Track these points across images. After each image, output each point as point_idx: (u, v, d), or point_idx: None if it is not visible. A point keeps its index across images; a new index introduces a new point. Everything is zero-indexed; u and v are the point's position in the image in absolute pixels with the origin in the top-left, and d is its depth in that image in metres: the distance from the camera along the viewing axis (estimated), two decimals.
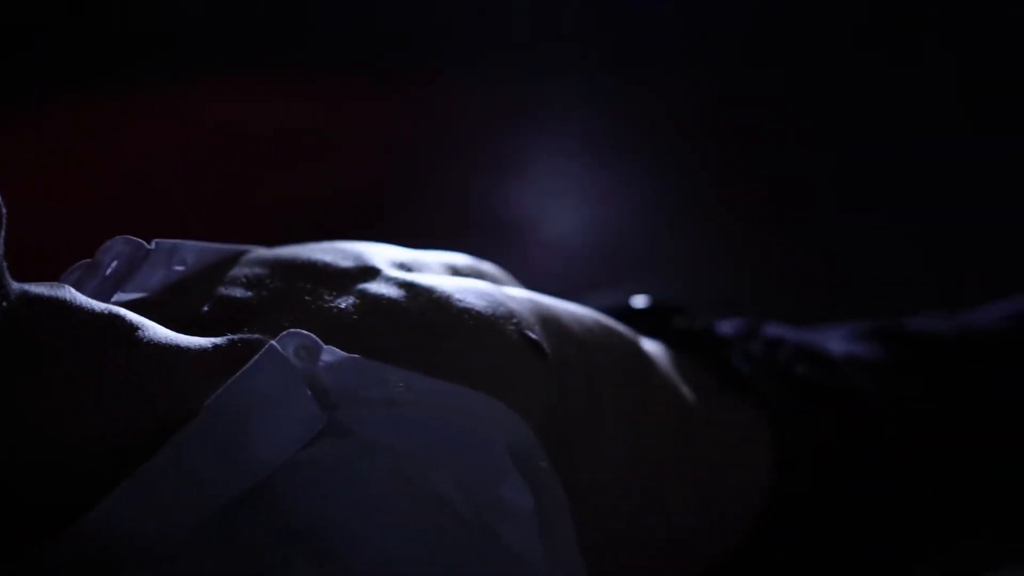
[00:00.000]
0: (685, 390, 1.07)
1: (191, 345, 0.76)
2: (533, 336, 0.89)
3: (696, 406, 1.07)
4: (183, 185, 2.91)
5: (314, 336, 0.77)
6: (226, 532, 0.71)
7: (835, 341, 1.25)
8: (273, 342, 0.75)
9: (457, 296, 0.88)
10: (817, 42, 3.78)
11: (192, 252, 0.90)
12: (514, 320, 0.89)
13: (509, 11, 4.16)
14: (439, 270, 0.98)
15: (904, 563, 1.18)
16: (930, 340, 1.25)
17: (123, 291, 0.86)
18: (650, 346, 1.10)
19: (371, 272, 0.89)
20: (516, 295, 0.95)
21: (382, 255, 0.94)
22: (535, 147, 3.29)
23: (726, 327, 1.23)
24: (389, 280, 0.88)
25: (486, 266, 1.07)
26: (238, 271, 0.88)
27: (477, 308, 0.87)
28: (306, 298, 0.84)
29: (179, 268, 0.89)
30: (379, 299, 0.85)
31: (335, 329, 0.81)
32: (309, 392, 0.74)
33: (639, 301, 1.21)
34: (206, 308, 0.83)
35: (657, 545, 1.02)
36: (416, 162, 3.14)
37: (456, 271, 1.01)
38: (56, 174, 2.90)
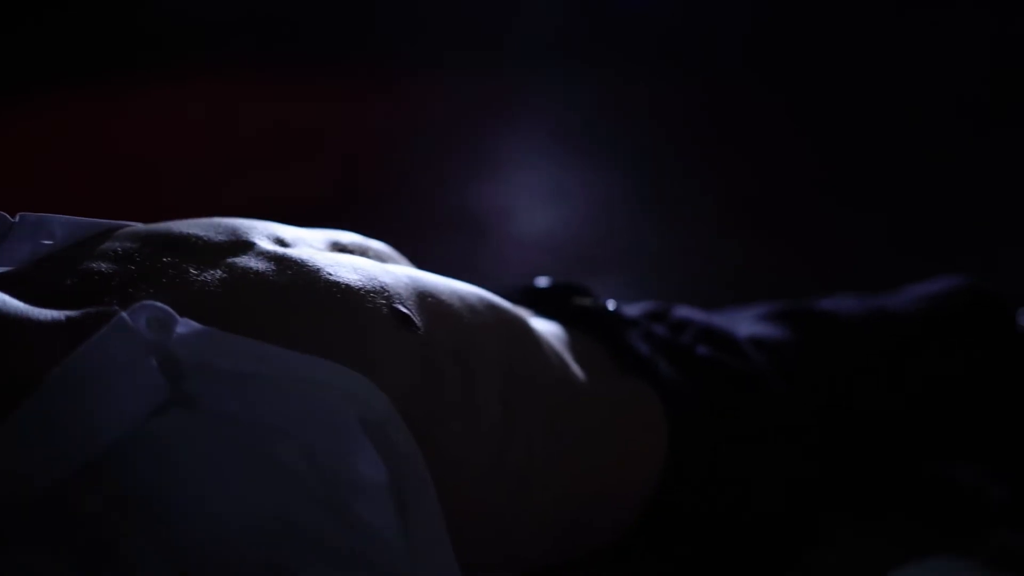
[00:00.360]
0: (576, 368, 1.07)
1: (43, 318, 0.76)
2: (403, 309, 0.90)
3: (587, 385, 1.07)
4: (150, 182, 2.93)
5: (167, 308, 0.77)
6: (62, 502, 0.71)
7: (743, 323, 1.25)
8: (123, 313, 0.76)
9: (327, 270, 0.88)
10: (789, 37, 3.79)
11: (61, 226, 0.90)
12: (385, 294, 0.89)
13: (480, 8, 4.17)
14: (320, 246, 0.98)
15: (794, 542, 1.19)
16: (837, 321, 1.25)
17: None
18: (544, 325, 1.11)
19: (244, 246, 0.89)
20: (394, 271, 0.95)
21: (259, 230, 0.93)
22: (506, 143, 3.29)
23: (632, 309, 1.23)
24: (260, 254, 0.88)
25: (375, 244, 1.07)
26: (108, 245, 0.88)
27: (346, 281, 0.88)
28: (171, 271, 0.84)
29: (47, 242, 0.89)
30: (246, 272, 0.85)
31: (197, 302, 0.81)
32: (155, 363, 0.75)
33: (541, 282, 1.21)
34: (69, 282, 0.83)
35: (542, 521, 1.02)
36: (387, 158, 3.15)
37: (341, 247, 1.01)
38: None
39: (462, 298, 0.99)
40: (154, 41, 3.95)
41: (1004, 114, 3.28)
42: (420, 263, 1.08)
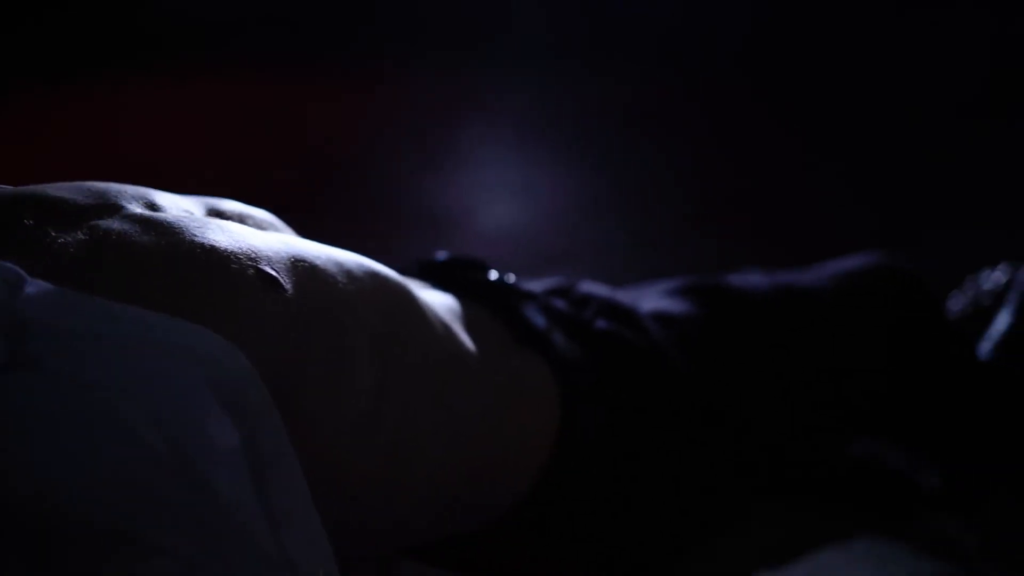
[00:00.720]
0: (467, 341, 1.06)
1: None
2: (270, 271, 0.89)
3: (479, 357, 1.06)
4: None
5: (16, 268, 0.77)
6: None
7: (648, 298, 1.23)
8: None
9: (193, 231, 0.87)
10: (751, 34, 3.78)
11: None
12: (252, 256, 0.88)
13: (444, 5, 4.18)
14: (195, 211, 0.98)
15: (696, 520, 1.17)
16: (743, 295, 1.23)
17: None
18: (437, 298, 1.10)
19: (110, 209, 0.88)
20: (267, 236, 0.94)
21: (129, 194, 0.92)
22: (473, 140, 3.29)
23: (535, 285, 1.22)
24: (126, 217, 0.87)
25: (258, 213, 1.06)
26: None
27: (212, 243, 0.87)
28: (31, 234, 0.83)
29: None
30: (108, 234, 0.84)
31: (55, 264, 0.81)
32: None
33: (440, 256, 1.20)
34: None
35: (430, 490, 1.01)
36: (356, 155, 3.15)
37: (218, 213, 1.00)
38: None
39: (339, 264, 0.98)
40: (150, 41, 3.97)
41: (1003, 114, 3.25)
42: (387, 259, 1.08)
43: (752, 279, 1.27)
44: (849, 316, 1.26)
